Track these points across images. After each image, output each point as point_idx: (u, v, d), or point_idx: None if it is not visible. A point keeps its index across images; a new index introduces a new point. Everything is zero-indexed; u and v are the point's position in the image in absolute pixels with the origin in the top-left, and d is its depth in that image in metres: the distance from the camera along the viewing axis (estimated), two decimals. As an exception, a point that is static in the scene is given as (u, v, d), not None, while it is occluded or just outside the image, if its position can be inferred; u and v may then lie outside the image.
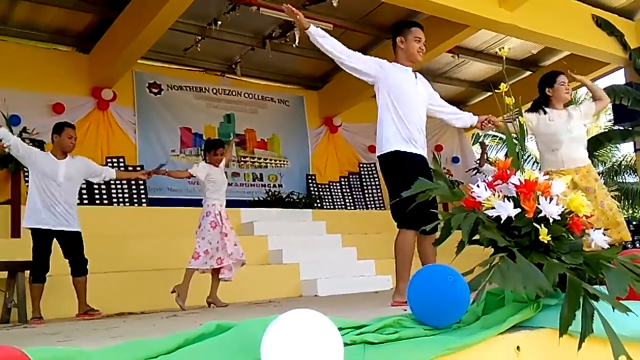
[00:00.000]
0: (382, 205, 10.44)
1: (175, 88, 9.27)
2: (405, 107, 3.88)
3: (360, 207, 10.34)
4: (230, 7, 7.95)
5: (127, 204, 7.98)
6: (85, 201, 7.72)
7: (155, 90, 9.05)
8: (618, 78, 10.09)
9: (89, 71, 8.31)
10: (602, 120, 14.89)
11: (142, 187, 8.19)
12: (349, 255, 7.87)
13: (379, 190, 10.56)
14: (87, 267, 5.23)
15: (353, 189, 10.47)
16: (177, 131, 9.09)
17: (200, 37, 8.60)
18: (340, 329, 1.48)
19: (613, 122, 10.41)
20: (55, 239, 5.13)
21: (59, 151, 5.24)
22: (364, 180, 10.61)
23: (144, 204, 8.09)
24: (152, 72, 9.07)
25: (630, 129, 9.40)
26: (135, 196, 8.09)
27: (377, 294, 6.03)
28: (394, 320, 1.68)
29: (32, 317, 4.91)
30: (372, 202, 10.46)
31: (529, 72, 11.05)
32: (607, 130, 12.51)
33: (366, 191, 10.53)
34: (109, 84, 8.37)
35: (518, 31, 7.99)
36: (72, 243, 5.18)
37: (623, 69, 9.71)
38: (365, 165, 10.77)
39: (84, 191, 7.82)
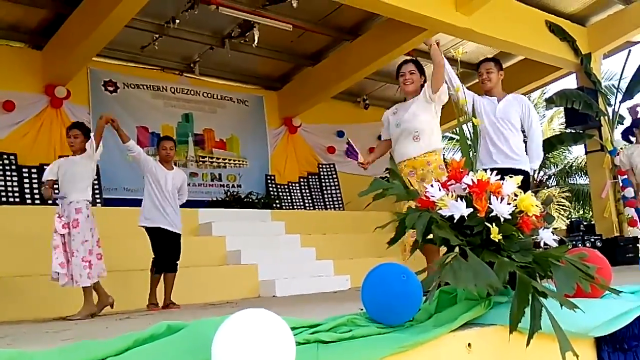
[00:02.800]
0: (341, 205, 10.49)
1: (132, 87, 9.11)
2: None
3: (319, 207, 10.36)
4: (189, 5, 7.85)
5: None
6: (38, 201, 7.52)
7: (111, 89, 8.87)
8: (570, 82, 10.40)
9: (42, 68, 8.09)
10: (555, 123, 15.29)
11: (96, 186, 8.01)
12: (307, 255, 7.86)
13: (338, 191, 10.60)
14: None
15: (312, 190, 10.49)
16: (133, 130, 8.90)
17: (157, 35, 8.47)
18: (293, 328, 1.47)
19: (565, 125, 10.70)
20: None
21: None
22: (323, 180, 10.63)
23: (99, 204, 7.92)
24: (107, 70, 8.89)
25: (582, 131, 9.67)
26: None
27: (336, 294, 6.05)
28: (347, 319, 1.68)
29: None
30: (331, 203, 10.50)
31: (484, 76, 11.26)
32: (559, 133, 12.85)
33: (325, 192, 10.56)
34: (62, 81, 8.17)
35: (474, 35, 8.15)
36: None
37: (575, 73, 9.99)
38: (324, 166, 10.79)
39: (27, 190, 7.62)
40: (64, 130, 8.23)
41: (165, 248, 5.64)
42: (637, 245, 9.22)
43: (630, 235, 8.92)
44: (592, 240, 8.16)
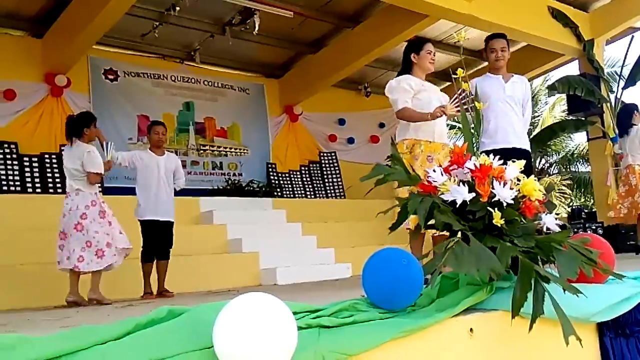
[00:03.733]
0: (342, 194, 10.48)
1: (132, 75, 9.06)
2: None
3: (321, 195, 10.34)
4: (189, -8, 7.81)
5: (83, 192, 7.78)
6: (39, 189, 7.52)
7: (112, 77, 8.83)
8: (572, 69, 10.33)
9: (42, 56, 8.04)
10: (557, 110, 15.23)
11: (97, 175, 8.01)
12: (308, 243, 7.86)
13: (339, 179, 10.58)
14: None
15: (313, 178, 10.47)
16: (134, 119, 8.90)
17: (158, 23, 8.42)
18: (295, 313, 1.47)
19: (567, 112, 10.65)
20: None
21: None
22: (324, 169, 10.61)
23: (100, 193, 7.89)
24: (108, 58, 8.84)
25: (584, 119, 9.62)
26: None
27: (337, 282, 6.05)
28: (349, 304, 1.68)
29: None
30: (332, 191, 10.49)
31: (486, 63, 11.18)
32: (561, 120, 12.81)
33: (326, 180, 10.54)
34: (63, 69, 8.13)
35: (476, 22, 8.08)
36: None
37: (577, 60, 9.93)
38: (325, 154, 10.77)
39: (28, 179, 7.62)
40: (64, 119, 8.21)
41: (158, 238, 5.59)
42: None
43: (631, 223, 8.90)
44: (594, 227, 8.16)
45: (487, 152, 2.28)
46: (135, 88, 9.03)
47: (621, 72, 9.77)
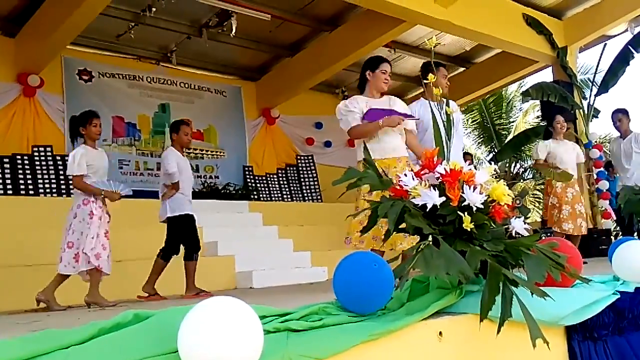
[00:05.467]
0: (319, 197, 10.48)
1: (107, 75, 8.97)
2: None
3: (298, 199, 10.33)
4: (166, -7, 7.75)
5: (55, 194, 7.68)
6: (10, 191, 7.39)
7: (86, 78, 8.73)
8: (546, 76, 10.48)
9: (15, 56, 7.91)
10: (530, 116, 15.45)
11: (70, 177, 7.90)
12: (285, 247, 7.85)
13: (316, 183, 10.58)
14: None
15: (290, 181, 10.46)
16: (109, 120, 8.78)
17: (133, 24, 8.34)
18: (263, 316, 1.46)
19: (540, 118, 10.80)
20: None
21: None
22: (301, 172, 10.61)
23: (72, 195, 7.78)
24: (82, 58, 8.73)
25: (557, 125, 9.75)
26: (63, 187, 7.79)
27: (313, 285, 6.05)
28: (319, 308, 1.68)
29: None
30: (309, 194, 10.48)
31: (462, 69, 11.33)
32: (534, 126, 12.98)
33: (303, 183, 10.54)
34: (36, 69, 8.00)
35: (452, 27, 8.16)
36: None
37: (551, 67, 10.07)
38: (302, 158, 10.76)
39: (8, 181, 7.49)
40: (37, 120, 8.15)
41: (192, 232, 5.67)
42: (611, 237, 9.37)
43: (604, 228, 9.04)
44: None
45: None
46: (110, 89, 8.94)
47: (594, 79, 9.93)
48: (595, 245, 8.20)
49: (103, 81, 8.90)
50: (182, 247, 5.76)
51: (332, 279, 1.75)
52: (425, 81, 2.28)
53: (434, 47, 2.71)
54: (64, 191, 7.79)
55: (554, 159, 6.42)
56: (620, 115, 7.00)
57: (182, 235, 5.65)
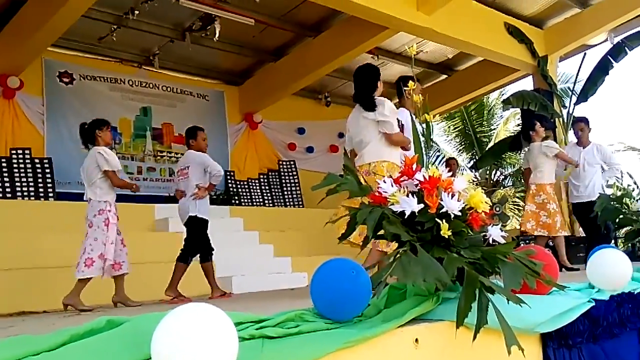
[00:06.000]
0: (300, 203, 10.47)
1: (89, 78, 8.89)
2: None
3: (279, 204, 10.31)
4: (149, -3, 7.71)
5: (33, 197, 7.58)
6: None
7: (67, 80, 8.64)
8: (527, 84, 10.59)
9: (-6, 57, 7.83)
10: (511, 124, 15.59)
11: (49, 180, 7.81)
12: (265, 252, 7.82)
13: (297, 188, 10.57)
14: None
15: (272, 186, 10.44)
16: (89, 123, 8.71)
17: (116, 26, 8.28)
18: (238, 323, 1.45)
19: (521, 126, 10.90)
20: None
21: None
22: (283, 177, 10.59)
23: (51, 199, 7.72)
24: (63, 60, 8.65)
25: (537, 133, 9.85)
26: (41, 190, 7.70)
27: (293, 291, 6.03)
28: (295, 315, 1.67)
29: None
30: (290, 200, 10.47)
31: (444, 76, 11.42)
32: (515, 134, 13.09)
33: (285, 189, 10.52)
34: (15, 71, 7.91)
35: (435, 35, 8.22)
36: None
37: (531, 75, 10.19)
38: (284, 163, 10.75)
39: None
40: (16, 122, 8.05)
41: (206, 236, 5.84)
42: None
43: (582, 235, 9.13)
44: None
45: None
46: (91, 92, 8.86)
47: (573, 87, 10.09)
48: (573, 252, 8.29)
49: (84, 84, 8.82)
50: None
51: (310, 286, 1.74)
52: (405, 89, 2.29)
53: (416, 54, 2.73)
54: (42, 194, 7.69)
55: (543, 162, 6.52)
56: (582, 125, 7.04)
57: (201, 237, 5.83)
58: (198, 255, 5.85)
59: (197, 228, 5.79)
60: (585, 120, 7.18)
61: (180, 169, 5.94)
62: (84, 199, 5.22)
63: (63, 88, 8.60)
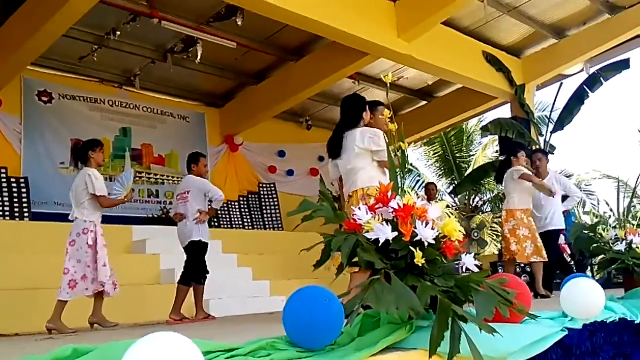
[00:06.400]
0: (280, 226, 10.44)
1: (68, 97, 8.84)
2: None
3: (258, 227, 10.27)
4: (130, 18, 7.72)
5: (7, 217, 7.47)
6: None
7: (45, 99, 8.59)
8: (505, 111, 10.75)
9: (-28, 75, 7.76)
10: (490, 150, 15.78)
11: (24, 199, 7.70)
12: (244, 275, 7.76)
13: (277, 211, 10.55)
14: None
15: (251, 209, 10.40)
16: (67, 142, 8.64)
17: (97, 46, 8.28)
18: (207, 352, 1.44)
19: (498, 152, 11.04)
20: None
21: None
22: (262, 200, 10.57)
23: (26, 218, 7.60)
24: (42, 79, 8.61)
25: (514, 159, 9.97)
26: (16, 209, 7.59)
27: (271, 315, 5.97)
28: (267, 343, 1.66)
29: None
30: (270, 223, 10.44)
31: (424, 102, 11.55)
32: (493, 160, 13.25)
33: (265, 211, 10.50)
34: (-7, 89, 7.85)
35: (414, 62, 8.33)
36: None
37: (509, 103, 10.35)
38: (264, 185, 10.74)
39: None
40: (-8, 140, 7.95)
41: (203, 259, 5.87)
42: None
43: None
44: (522, 265, 8.36)
45: None
46: (70, 111, 8.81)
47: (550, 116, 10.25)
48: (550, 278, 8.33)
49: (63, 103, 8.77)
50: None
51: (282, 314, 1.73)
52: (380, 117, 2.31)
53: (397, 80, 2.77)
54: (17, 214, 7.58)
55: (514, 189, 6.53)
56: (540, 155, 7.09)
57: (199, 260, 5.88)
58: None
59: (198, 251, 5.86)
60: (542, 151, 7.30)
61: (180, 193, 6.02)
62: (70, 218, 5.23)
63: (42, 107, 8.54)
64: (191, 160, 6.11)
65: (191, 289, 5.84)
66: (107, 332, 4.85)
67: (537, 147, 9.71)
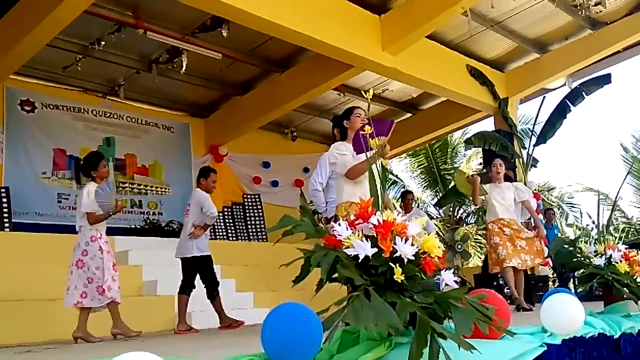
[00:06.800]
0: (264, 237, 10.41)
1: (51, 107, 8.78)
2: None
3: (243, 238, 10.24)
4: (115, 28, 7.69)
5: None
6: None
7: (28, 108, 8.52)
8: (489, 124, 10.85)
9: (-47, 83, 7.70)
10: (474, 162, 15.88)
11: (5, 209, 7.61)
12: (227, 286, 7.68)
13: (262, 222, 10.52)
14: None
15: (236, 220, 10.37)
16: (49, 152, 8.58)
17: (81, 56, 8.24)
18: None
19: (482, 165, 11.11)
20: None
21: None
22: (247, 211, 10.54)
23: (7, 229, 7.51)
24: (25, 89, 8.54)
25: (498, 172, 10.03)
26: (-4, 220, 7.50)
27: (254, 327, 5.94)
28: (245, 360, 1.65)
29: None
30: (254, 234, 10.40)
31: (409, 114, 11.62)
32: (477, 172, 13.32)
33: (249, 222, 10.46)
34: (-25, 98, 7.79)
35: (399, 75, 8.39)
36: None
37: (493, 116, 10.44)
38: (249, 196, 10.71)
39: None
40: (-27, 149, 7.86)
41: (212, 272, 6.00)
42: (548, 283, 9.61)
43: (542, 274, 9.28)
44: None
45: None
46: (53, 121, 8.75)
47: (533, 129, 10.35)
48: (533, 291, 8.40)
49: (46, 112, 8.71)
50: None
51: (261, 331, 1.73)
52: (361, 132, 2.33)
53: (380, 93, 2.78)
54: (-4, 225, 7.50)
55: (487, 201, 6.52)
56: (501, 160, 7.06)
57: (203, 275, 6.00)
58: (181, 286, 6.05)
59: (197, 266, 5.98)
60: (504, 158, 7.21)
61: (187, 206, 6.19)
62: (76, 229, 5.25)
63: (24, 116, 8.47)
64: (201, 174, 6.23)
65: (181, 298, 5.98)
66: (89, 347, 4.79)
67: (521, 160, 9.80)
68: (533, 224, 6.73)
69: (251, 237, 10.33)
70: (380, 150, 3.54)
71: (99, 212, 5.15)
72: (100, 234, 5.18)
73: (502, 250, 6.15)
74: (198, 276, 6.06)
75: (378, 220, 2.03)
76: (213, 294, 6.00)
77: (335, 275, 2.00)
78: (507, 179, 6.83)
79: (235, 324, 5.90)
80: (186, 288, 5.97)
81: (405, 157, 15.63)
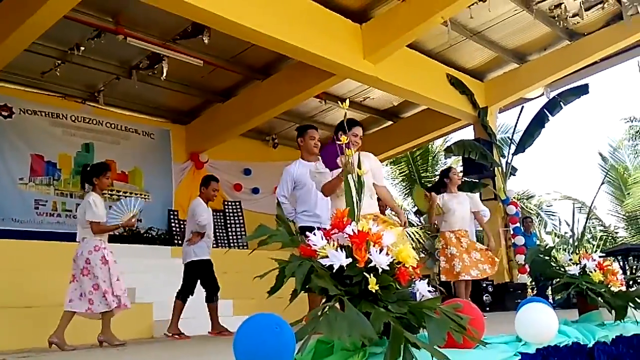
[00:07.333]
0: (245, 244, 10.36)
1: (29, 112, 8.68)
2: None
3: (223, 245, 10.18)
4: (95, 34, 7.64)
5: (-38, 234, 7.26)
6: None
7: (5, 114, 8.42)
8: (469, 133, 10.93)
9: None
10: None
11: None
12: (206, 294, 7.65)
13: (242, 229, 10.49)
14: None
15: (216, 227, 10.29)
16: (27, 158, 8.48)
17: (60, 61, 8.16)
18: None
19: (462, 173, 11.19)
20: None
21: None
22: (228, 218, 10.50)
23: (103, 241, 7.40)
24: (3, 94, 8.45)
25: (477, 180, 10.13)
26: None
27: (232, 336, 5.91)
28: (217, 371, 1.64)
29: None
30: (234, 241, 10.36)
31: (390, 122, 11.69)
32: (433, 184, 13.39)
33: (230, 229, 10.42)
34: (-49, 103, 7.68)
35: (380, 83, 8.44)
36: None
37: (472, 125, 10.54)
38: (230, 203, 10.67)
39: None
40: (-52, 155, 7.74)
41: (212, 276, 6.19)
42: (526, 291, 9.70)
43: (520, 282, 9.37)
44: (484, 285, 8.47)
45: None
46: (30, 126, 8.65)
47: (512, 138, 10.46)
48: (512, 298, 8.47)
49: (24, 118, 8.61)
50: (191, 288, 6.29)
51: (233, 342, 1.72)
52: (338, 142, 2.34)
53: (361, 101, 2.79)
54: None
55: (447, 210, 6.54)
56: (456, 171, 7.14)
57: (203, 279, 6.19)
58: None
59: (196, 271, 6.16)
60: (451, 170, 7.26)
61: None
62: (77, 239, 5.29)
63: (1, 121, 8.38)
64: (202, 183, 6.33)
65: (176, 303, 6.15)
66: (64, 355, 4.73)
67: (500, 168, 9.90)
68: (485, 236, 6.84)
69: (232, 244, 10.29)
70: (349, 167, 3.50)
71: (106, 224, 5.24)
72: (104, 244, 5.27)
73: (459, 263, 6.17)
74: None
75: (353, 230, 2.03)
76: (212, 297, 6.18)
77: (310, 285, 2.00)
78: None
79: (226, 333, 6.03)
80: (183, 294, 6.10)
81: (387, 165, 15.70)
